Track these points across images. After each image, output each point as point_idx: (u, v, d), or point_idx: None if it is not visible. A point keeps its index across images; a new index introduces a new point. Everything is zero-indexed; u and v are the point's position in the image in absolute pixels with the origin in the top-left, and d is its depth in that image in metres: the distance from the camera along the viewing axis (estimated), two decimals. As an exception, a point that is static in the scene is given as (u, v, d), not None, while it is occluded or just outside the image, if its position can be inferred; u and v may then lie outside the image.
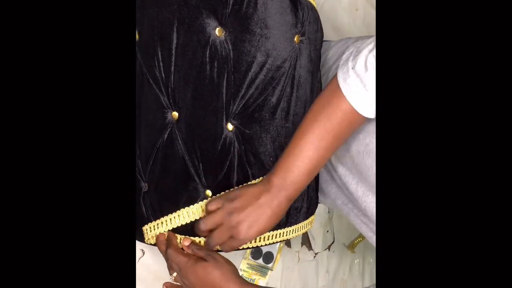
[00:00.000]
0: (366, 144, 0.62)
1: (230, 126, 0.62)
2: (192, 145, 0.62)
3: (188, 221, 0.63)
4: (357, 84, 0.55)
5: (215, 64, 0.60)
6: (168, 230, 0.65)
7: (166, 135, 0.63)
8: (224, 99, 0.61)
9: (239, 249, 0.67)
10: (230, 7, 0.59)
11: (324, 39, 0.79)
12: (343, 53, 0.87)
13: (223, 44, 0.60)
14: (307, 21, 0.68)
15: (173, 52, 0.60)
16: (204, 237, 0.63)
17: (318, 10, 0.75)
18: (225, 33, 0.60)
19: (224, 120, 0.61)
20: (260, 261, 1.11)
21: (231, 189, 0.62)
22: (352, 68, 0.56)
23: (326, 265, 1.25)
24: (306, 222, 0.75)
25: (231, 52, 0.60)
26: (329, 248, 1.25)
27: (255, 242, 0.67)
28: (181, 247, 0.65)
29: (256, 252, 1.10)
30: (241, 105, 0.62)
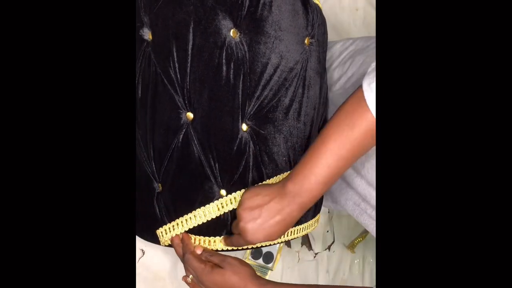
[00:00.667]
0: None
1: (244, 127, 0.63)
2: (209, 146, 0.62)
3: (205, 221, 0.64)
4: None
5: (231, 66, 0.60)
6: (184, 232, 0.65)
7: (181, 136, 0.63)
8: (240, 100, 0.61)
9: (239, 249, 0.67)
10: (245, 9, 0.60)
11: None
12: (341, 53, 0.88)
13: (239, 46, 0.60)
14: (316, 24, 0.69)
15: (189, 53, 0.60)
16: None
17: (319, 11, 0.76)
18: (239, 35, 0.61)
19: (240, 121, 0.62)
20: (260, 261, 1.11)
21: (249, 187, 0.62)
22: None
23: (326, 265, 1.26)
24: (313, 220, 0.76)
25: (247, 53, 0.61)
26: (329, 248, 1.25)
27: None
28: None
29: (256, 252, 1.10)
30: (256, 106, 0.62)
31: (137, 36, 0.64)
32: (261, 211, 0.58)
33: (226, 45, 0.60)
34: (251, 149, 0.63)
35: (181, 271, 0.98)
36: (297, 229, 0.71)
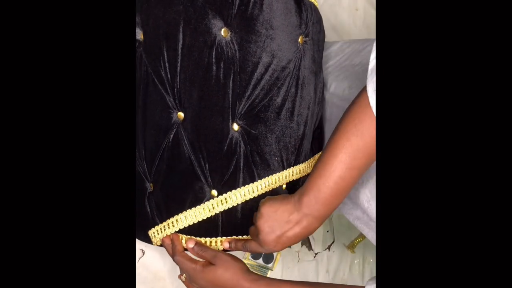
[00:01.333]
0: None
1: (235, 126, 0.62)
2: (198, 145, 0.62)
3: (195, 221, 0.63)
4: None
5: (221, 65, 0.60)
6: (175, 232, 0.65)
7: (172, 136, 0.63)
8: (230, 99, 0.61)
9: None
10: (236, 8, 0.59)
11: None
12: (337, 54, 0.88)
13: (229, 45, 0.60)
14: (310, 22, 0.68)
15: (179, 52, 0.60)
16: None
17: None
18: (230, 34, 0.60)
19: (230, 120, 0.62)
20: (260, 261, 1.11)
21: (267, 198, 0.61)
22: None
23: (326, 265, 1.26)
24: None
25: (237, 52, 0.60)
26: (329, 248, 1.25)
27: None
28: (185, 246, 0.65)
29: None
30: (247, 105, 0.62)
31: None
32: (281, 225, 0.58)
33: (216, 44, 0.59)
34: (241, 149, 0.63)
35: (180, 271, 0.98)
36: None
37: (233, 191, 0.63)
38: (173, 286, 1.04)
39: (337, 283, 1.26)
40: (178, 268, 1.00)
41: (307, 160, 0.71)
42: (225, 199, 0.63)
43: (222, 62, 0.60)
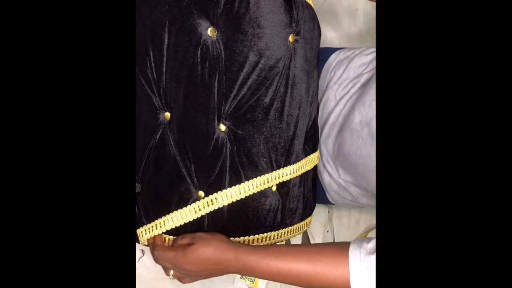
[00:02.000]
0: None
1: (222, 127, 0.61)
2: (184, 146, 0.61)
3: (182, 223, 0.63)
4: (366, 274, 0.54)
5: (206, 65, 0.59)
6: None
7: (158, 136, 0.62)
8: (216, 99, 0.60)
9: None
10: (221, 7, 0.59)
11: (324, 39, 0.78)
12: (341, 62, 0.88)
13: (215, 44, 0.59)
14: (302, 20, 0.67)
15: (165, 52, 0.59)
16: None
17: (317, 10, 0.74)
18: (217, 33, 0.60)
19: (216, 121, 0.61)
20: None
21: (214, 242, 0.61)
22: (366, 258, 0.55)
23: (327, 266, 1.24)
24: (302, 223, 0.75)
25: (223, 52, 0.59)
26: (329, 248, 1.24)
27: (247, 243, 0.66)
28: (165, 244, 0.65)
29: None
30: (233, 105, 0.61)
31: None
32: (212, 272, 0.61)
33: (202, 43, 0.59)
34: (227, 150, 0.62)
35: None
36: (280, 233, 0.70)
37: (219, 192, 0.62)
38: (173, 286, 1.04)
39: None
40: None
41: (298, 161, 0.70)
42: (211, 200, 0.62)
43: (207, 62, 0.59)
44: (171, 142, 0.62)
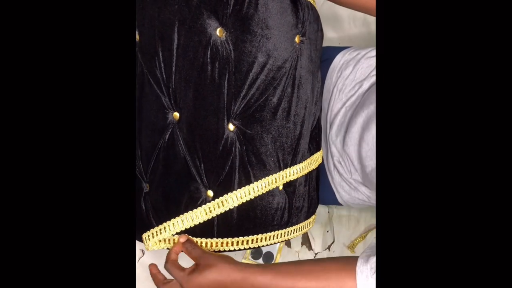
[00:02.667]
0: None
1: (231, 127, 0.62)
2: (194, 146, 0.62)
3: (192, 225, 0.63)
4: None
5: (216, 65, 0.60)
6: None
7: (167, 136, 0.62)
8: (225, 99, 0.61)
9: (237, 250, 0.67)
10: (231, 8, 0.59)
11: (324, 39, 0.79)
12: (347, 64, 0.89)
13: (224, 45, 0.60)
14: (307, 21, 0.68)
15: (174, 52, 0.60)
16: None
17: (317, 10, 0.75)
18: (226, 34, 0.60)
19: (226, 121, 0.61)
20: (260, 261, 1.11)
21: (221, 266, 0.61)
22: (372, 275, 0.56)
23: (326, 265, 1.25)
24: (307, 222, 0.75)
25: (232, 52, 0.60)
26: (329, 248, 1.24)
27: (256, 242, 0.67)
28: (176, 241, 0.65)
29: (256, 253, 1.10)
30: (242, 105, 0.62)
31: None
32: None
33: (211, 44, 0.59)
34: (237, 149, 0.62)
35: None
36: (287, 231, 0.70)
37: (229, 194, 0.63)
38: (173, 286, 1.04)
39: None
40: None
41: (304, 160, 0.71)
42: (221, 202, 0.62)
43: (217, 62, 0.60)
44: (181, 142, 0.62)
